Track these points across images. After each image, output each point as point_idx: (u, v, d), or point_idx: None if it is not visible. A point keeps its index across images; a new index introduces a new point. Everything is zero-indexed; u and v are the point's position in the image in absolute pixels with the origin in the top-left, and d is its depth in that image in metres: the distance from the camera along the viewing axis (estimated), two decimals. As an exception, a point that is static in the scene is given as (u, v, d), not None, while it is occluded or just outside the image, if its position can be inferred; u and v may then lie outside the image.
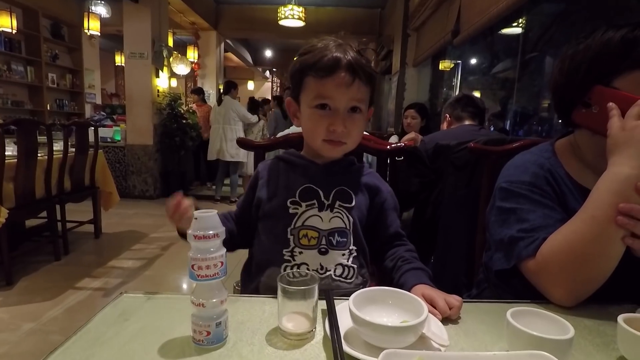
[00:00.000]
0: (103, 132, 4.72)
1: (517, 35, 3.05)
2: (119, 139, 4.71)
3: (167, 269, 2.63)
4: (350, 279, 0.71)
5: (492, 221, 0.77)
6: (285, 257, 0.69)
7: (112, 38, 6.82)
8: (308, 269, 0.68)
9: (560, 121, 0.81)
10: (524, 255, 0.65)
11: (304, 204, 0.71)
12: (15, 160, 2.23)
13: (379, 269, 0.80)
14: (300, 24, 5.19)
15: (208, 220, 0.44)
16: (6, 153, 2.17)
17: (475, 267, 1.13)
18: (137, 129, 4.64)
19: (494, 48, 3.69)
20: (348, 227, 0.72)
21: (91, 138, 2.96)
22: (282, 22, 5.17)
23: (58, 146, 2.73)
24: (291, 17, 5.04)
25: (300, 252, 0.69)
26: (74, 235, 3.04)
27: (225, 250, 0.46)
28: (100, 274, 2.46)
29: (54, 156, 2.52)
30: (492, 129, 3.78)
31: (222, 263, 0.45)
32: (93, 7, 4.85)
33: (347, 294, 0.52)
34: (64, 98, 6.36)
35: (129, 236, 3.29)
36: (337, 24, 6.39)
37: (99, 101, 6.97)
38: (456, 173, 1.28)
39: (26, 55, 5.49)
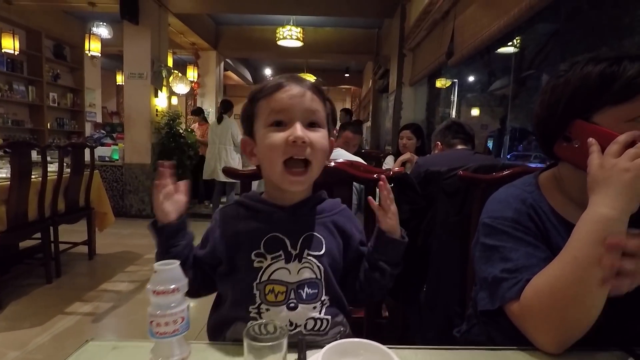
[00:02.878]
0: (101, 151, 4.75)
1: (512, 54, 3.09)
2: (117, 158, 4.72)
3: (160, 291, 2.58)
4: (323, 330, 0.65)
5: (477, 257, 0.75)
6: (252, 315, 0.63)
7: (113, 57, 6.93)
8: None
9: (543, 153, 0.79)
10: (508, 298, 0.63)
11: (269, 257, 0.64)
12: (8, 182, 2.22)
13: (361, 301, 0.76)
14: (299, 44, 5.27)
15: (169, 273, 0.42)
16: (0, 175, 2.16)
17: (469, 295, 1.10)
18: (135, 148, 4.65)
19: (491, 66, 3.73)
20: (319, 277, 0.66)
21: (88, 158, 2.97)
22: (280, 43, 5.25)
23: (54, 167, 2.73)
24: (289, 38, 5.13)
25: (267, 309, 0.63)
26: (68, 256, 3.00)
27: (187, 303, 0.44)
28: (91, 298, 2.42)
29: (49, 177, 2.52)
30: (490, 145, 3.80)
31: (182, 318, 0.43)
32: (95, 29, 4.94)
33: (321, 346, 0.50)
34: (65, 117, 6.43)
35: (123, 257, 3.25)
36: (334, 43, 6.49)
37: (99, 119, 7.04)
38: (447, 200, 1.26)
39: (28, 75, 5.57)
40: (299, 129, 0.62)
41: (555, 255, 0.65)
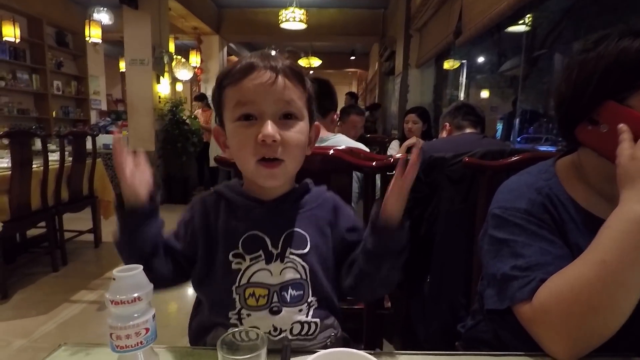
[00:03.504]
0: (106, 138, 4.73)
1: (523, 33, 2.95)
2: (122, 145, 4.71)
3: (164, 279, 2.59)
4: (312, 335, 0.60)
5: (485, 250, 0.69)
6: (232, 321, 0.58)
7: (116, 44, 6.85)
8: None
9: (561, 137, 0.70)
10: (518, 298, 0.57)
11: (248, 257, 0.58)
12: (9, 172, 2.21)
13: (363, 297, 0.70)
14: (302, 26, 5.13)
15: (130, 280, 0.38)
16: (0, 165, 2.15)
17: (474, 286, 1.06)
18: (139, 135, 4.63)
19: (501, 46, 3.58)
20: (304, 277, 0.60)
21: (90, 146, 2.95)
22: (283, 25, 5.11)
23: (56, 156, 2.71)
24: (292, 20, 4.99)
25: (249, 315, 0.58)
26: (74, 244, 3.02)
27: (152, 312, 0.40)
28: (96, 286, 2.43)
29: (51, 167, 2.50)
30: (498, 129, 3.69)
31: (147, 330, 0.38)
32: (95, 14, 4.86)
33: (310, 352, 0.45)
34: (70, 105, 6.41)
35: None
36: (339, 25, 6.32)
37: (104, 107, 7.01)
38: (452, 187, 1.20)
39: (31, 64, 5.53)
40: (269, 127, 0.54)
41: (573, 251, 0.59)
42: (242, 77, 0.55)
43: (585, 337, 0.52)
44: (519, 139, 3.40)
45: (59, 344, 0.54)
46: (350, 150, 1.11)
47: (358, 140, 1.92)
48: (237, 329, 0.44)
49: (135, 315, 0.38)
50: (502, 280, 0.61)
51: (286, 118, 0.57)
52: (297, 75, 0.58)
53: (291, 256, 0.59)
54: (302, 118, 0.59)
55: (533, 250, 0.59)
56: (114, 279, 0.38)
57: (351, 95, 6.02)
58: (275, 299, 0.58)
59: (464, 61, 3.98)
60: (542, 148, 3.07)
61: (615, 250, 0.50)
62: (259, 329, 0.54)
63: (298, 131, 0.58)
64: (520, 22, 2.84)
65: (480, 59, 4.04)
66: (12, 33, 4.58)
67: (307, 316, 0.60)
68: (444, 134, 1.69)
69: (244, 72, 0.56)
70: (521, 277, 0.58)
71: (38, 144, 2.82)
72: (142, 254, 0.57)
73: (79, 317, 2.05)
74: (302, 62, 7.87)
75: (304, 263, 0.60)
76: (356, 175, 1.26)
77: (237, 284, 0.58)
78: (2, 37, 4.68)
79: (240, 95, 0.56)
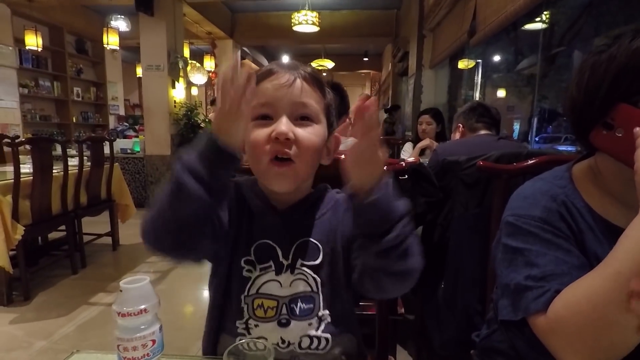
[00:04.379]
0: (123, 143, 4.84)
1: (541, 30, 2.88)
2: (138, 149, 4.81)
3: (180, 282, 2.62)
4: (322, 349, 0.58)
5: (499, 259, 0.67)
6: (239, 330, 0.57)
7: (133, 50, 7.01)
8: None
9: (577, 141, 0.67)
10: (533, 309, 0.55)
11: (258, 267, 0.58)
12: (31, 177, 2.28)
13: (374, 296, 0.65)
14: (315, 29, 5.14)
15: (136, 291, 0.38)
16: (22, 171, 2.22)
17: (489, 293, 1.03)
18: (155, 140, 4.71)
19: (518, 43, 3.51)
20: (315, 290, 0.58)
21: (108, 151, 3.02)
22: (296, 28, 5.13)
23: (75, 161, 2.79)
24: (305, 23, 5.00)
25: (256, 325, 0.57)
26: (93, 247, 3.09)
27: (159, 324, 0.40)
28: (114, 289, 2.47)
29: (70, 171, 2.57)
30: (515, 129, 3.61)
31: (153, 342, 0.38)
32: (113, 22, 4.98)
33: None
34: (89, 110, 6.59)
35: (145, 248, 3.31)
36: (352, 27, 6.30)
37: (122, 112, 7.18)
38: (466, 191, 1.17)
39: (52, 71, 5.72)
40: (283, 123, 0.54)
41: (591, 261, 0.57)
42: (261, 79, 0.56)
43: (602, 350, 0.50)
44: (537, 139, 3.31)
45: (72, 351, 0.55)
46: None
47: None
48: (244, 340, 0.44)
49: (142, 327, 0.38)
50: (516, 291, 0.59)
51: (302, 120, 0.57)
52: (317, 81, 0.59)
53: (302, 268, 0.58)
54: (318, 122, 0.58)
55: (548, 260, 0.57)
56: (120, 291, 0.38)
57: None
58: (284, 311, 0.57)
59: (479, 60, 3.91)
60: (562, 148, 2.99)
61: (630, 262, 0.47)
62: (266, 339, 0.54)
63: (313, 132, 0.57)
64: (537, 19, 2.77)
65: (496, 58, 3.97)
66: (34, 42, 4.74)
67: (317, 330, 0.58)
68: (457, 135, 1.66)
69: (264, 75, 0.57)
70: (536, 287, 0.56)
71: (58, 150, 2.91)
72: (216, 199, 0.50)
73: (97, 319, 2.09)
74: (315, 63, 7.89)
75: (315, 275, 0.59)
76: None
77: (246, 293, 0.58)
78: (25, 46, 4.84)
79: (260, 96, 0.55)
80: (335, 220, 0.62)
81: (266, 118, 0.56)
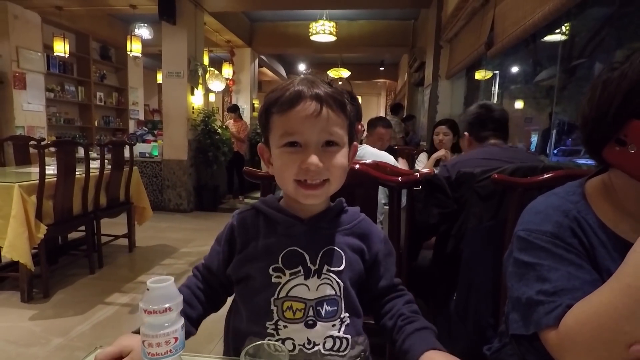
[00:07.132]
0: (142, 147, 4.97)
1: (560, 42, 2.85)
2: (157, 154, 4.92)
3: (193, 285, 2.66)
4: (343, 351, 0.62)
5: (510, 272, 0.67)
6: (269, 331, 0.61)
7: (154, 57, 7.21)
8: (294, 345, 0.60)
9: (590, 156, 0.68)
10: (544, 324, 0.55)
11: (287, 272, 0.62)
12: (55, 179, 2.36)
13: (375, 323, 0.71)
14: (332, 38, 5.21)
15: (162, 291, 0.40)
16: (46, 172, 2.30)
17: (502, 306, 1.02)
18: (173, 145, 4.82)
19: (536, 55, 3.47)
20: (338, 294, 0.63)
21: (128, 155, 3.10)
22: (313, 38, 5.21)
23: (96, 164, 2.88)
24: (322, 33, 5.08)
25: (285, 326, 0.61)
26: (110, 248, 3.17)
27: (181, 322, 0.42)
28: (129, 289, 2.53)
29: (91, 174, 2.66)
30: (533, 141, 3.56)
31: (176, 339, 0.40)
32: (137, 30, 5.15)
33: None
34: (110, 115, 6.79)
35: (160, 250, 3.38)
36: (368, 37, 6.35)
37: (142, 117, 7.37)
38: (481, 203, 1.17)
39: (77, 76, 5.93)
40: (314, 159, 0.58)
41: (603, 277, 0.57)
42: (289, 107, 0.59)
43: None
44: (555, 151, 3.26)
45: (95, 347, 0.57)
46: (376, 165, 1.12)
47: (386, 151, 1.92)
48: (262, 342, 0.46)
49: (166, 324, 0.40)
50: (527, 305, 0.59)
51: (328, 145, 0.61)
52: (340, 104, 0.61)
53: (328, 273, 0.63)
54: (343, 145, 0.62)
55: (560, 275, 0.58)
56: (147, 290, 0.41)
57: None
58: (311, 313, 0.61)
59: (496, 71, 3.88)
60: (581, 161, 2.94)
61: None
62: (294, 340, 0.59)
63: (340, 155, 0.62)
64: (557, 30, 2.75)
65: (514, 69, 3.94)
66: (62, 49, 4.93)
67: (339, 332, 0.62)
68: (465, 143, 1.63)
69: (291, 103, 0.59)
70: (547, 302, 0.56)
71: (80, 152, 3.01)
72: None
73: (112, 318, 2.14)
74: (331, 72, 7.95)
75: (339, 280, 0.63)
76: (382, 189, 1.26)
77: (275, 297, 0.61)
78: (53, 53, 5.04)
79: (288, 126, 0.59)
80: (357, 238, 0.67)
81: (294, 145, 0.60)
